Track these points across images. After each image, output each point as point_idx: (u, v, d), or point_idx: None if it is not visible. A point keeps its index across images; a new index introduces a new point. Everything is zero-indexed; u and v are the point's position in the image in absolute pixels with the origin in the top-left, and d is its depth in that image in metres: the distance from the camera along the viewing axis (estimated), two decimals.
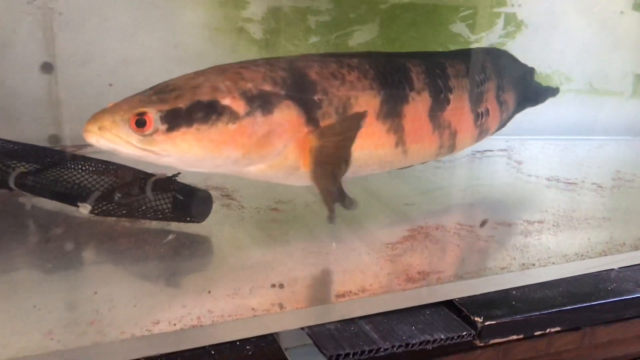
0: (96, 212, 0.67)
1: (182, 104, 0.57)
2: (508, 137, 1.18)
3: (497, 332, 0.58)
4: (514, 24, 1.14)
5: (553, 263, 0.68)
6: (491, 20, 1.12)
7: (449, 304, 0.60)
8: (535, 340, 0.65)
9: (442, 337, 0.55)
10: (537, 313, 0.61)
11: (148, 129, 0.56)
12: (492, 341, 0.58)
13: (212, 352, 0.49)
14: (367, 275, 0.60)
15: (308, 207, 0.78)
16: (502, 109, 0.82)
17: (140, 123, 0.56)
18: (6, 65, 0.90)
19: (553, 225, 0.77)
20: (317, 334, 0.53)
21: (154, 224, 0.69)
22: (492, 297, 0.62)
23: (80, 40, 0.92)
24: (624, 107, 0.92)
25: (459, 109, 0.75)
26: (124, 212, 0.68)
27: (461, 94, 0.75)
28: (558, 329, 0.62)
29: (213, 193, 0.69)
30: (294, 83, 0.63)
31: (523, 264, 0.66)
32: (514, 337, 0.60)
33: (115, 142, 0.56)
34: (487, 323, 0.57)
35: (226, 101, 0.58)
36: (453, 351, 0.60)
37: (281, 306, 0.54)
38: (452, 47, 1.10)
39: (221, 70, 0.61)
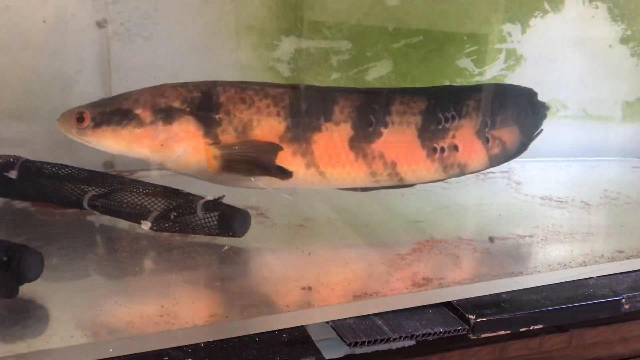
0: (155, 228, 0.81)
1: (108, 109, 0.79)
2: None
3: (488, 327, 0.70)
4: (514, 58, 1.27)
5: (539, 272, 0.79)
6: (493, 56, 1.25)
7: (448, 305, 0.72)
8: (528, 340, 0.77)
9: (441, 330, 0.68)
10: (522, 312, 0.72)
11: (84, 125, 0.79)
12: (483, 335, 0.70)
13: (257, 339, 0.62)
14: (380, 280, 0.73)
15: (329, 223, 0.91)
16: (489, 144, 0.90)
17: (79, 119, 0.79)
18: (70, 100, 1.05)
19: (542, 239, 0.89)
20: (339, 326, 0.65)
21: (202, 238, 0.82)
22: (485, 300, 0.74)
23: (131, 80, 1.06)
24: (615, 131, 1.03)
25: (396, 142, 0.84)
26: (178, 228, 0.82)
27: (404, 129, 0.84)
28: (541, 326, 0.74)
29: (250, 212, 0.83)
30: (201, 103, 0.80)
31: (512, 272, 0.78)
32: (502, 332, 0.72)
33: (64, 130, 0.80)
34: (478, 320, 0.70)
35: (138, 111, 0.79)
36: (454, 347, 0.73)
37: (309, 304, 0.67)
38: (459, 81, 1.23)
39: (154, 88, 0.82)
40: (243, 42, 1.10)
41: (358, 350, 0.67)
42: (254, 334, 0.62)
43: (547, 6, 1.26)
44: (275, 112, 0.80)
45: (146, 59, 1.07)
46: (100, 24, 1.05)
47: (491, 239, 0.88)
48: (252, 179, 0.81)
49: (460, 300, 0.72)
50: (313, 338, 0.63)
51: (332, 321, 0.66)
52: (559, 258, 0.83)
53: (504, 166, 1.26)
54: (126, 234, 0.83)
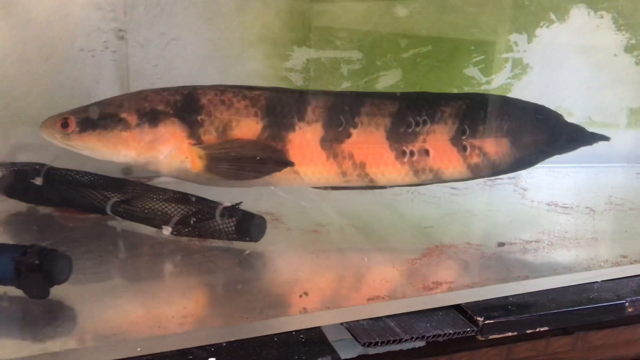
0: (175, 233, 0.85)
1: (93, 114, 0.83)
2: None
3: (495, 329, 0.73)
4: (520, 67, 1.30)
5: (544, 276, 0.82)
6: (500, 65, 1.28)
7: (457, 307, 0.75)
8: (535, 342, 0.80)
9: (451, 331, 0.71)
10: (529, 315, 0.75)
11: (69, 130, 0.82)
12: (491, 336, 0.73)
13: (275, 339, 0.65)
14: (392, 284, 0.76)
15: (342, 229, 0.94)
16: (466, 153, 0.90)
17: (64, 125, 0.82)
18: None
19: (547, 245, 0.92)
20: (353, 327, 0.69)
21: (219, 243, 0.86)
22: (492, 302, 0.77)
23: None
24: (620, 137, 1.06)
25: (365, 143, 0.87)
26: (197, 233, 0.85)
27: (372, 130, 0.87)
28: (546, 328, 0.77)
29: (265, 217, 0.86)
30: (184, 105, 0.84)
31: (519, 276, 0.81)
32: (509, 334, 0.75)
33: (48, 136, 0.84)
34: (486, 322, 0.73)
35: (124, 115, 0.83)
36: (463, 348, 0.76)
37: (325, 306, 0.70)
38: (466, 89, 1.26)
39: (137, 93, 0.87)
40: (257, 53, 1.14)
41: (371, 351, 0.70)
42: (272, 334, 0.65)
43: (552, 16, 1.29)
44: (253, 112, 0.85)
45: (163, 69, 1.10)
46: (120, 36, 1.09)
47: (500, 244, 0.91)
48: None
49: (468, 303, 0.75)
50: (329, 338, 0.66)
51: (347, 322, 0.69)
52: (564, 263, 0.86)
53: (511, 173, 1.29)
54: (147, 239, 0.86)
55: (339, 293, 0.73)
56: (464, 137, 0.90)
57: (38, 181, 0.90)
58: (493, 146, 0.92)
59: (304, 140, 0.86)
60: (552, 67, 1.32)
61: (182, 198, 0.87)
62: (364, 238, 0.92)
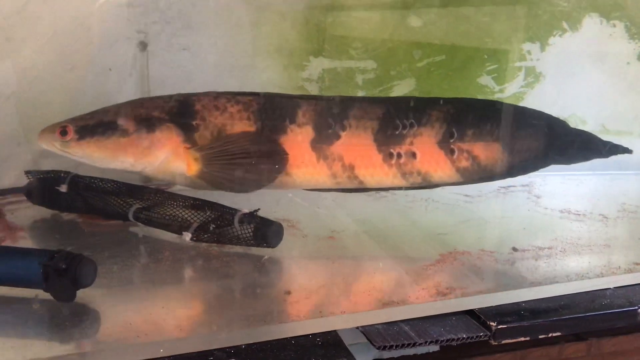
0: (195, 239, 0.87)
1: (90, 122, 0.86)
2: (531, 173, 1.34)
3: (508, 334, 0.75)
4: (533, 75, 1.31)
5: (557, 282, 0.84)
6: (513, 73, 1.29)
7: (470, 313, 0.77)
8: (548, 348, 0.81)
9: (464, 336, 0.72)
10: (541, 320, 0.77)
11: (67, 138, 0.85)
12: (503, 341, 0.75)
13: (293, 342, 0.67)
14: (406, 289, 0.78)
15: (357, 235, 0.96)
16: (454, 156, 0.92)
17: (63, 133, 0.85)
18: None
19: (560, 251, 0.93)
20: (368, 331, 0.70)
21: (237, 249, 0.88)
22: (505, 308, 0.78)
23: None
24: (633, 145, 1.07)
25: (353, 145, 0.90)
26: (216, 239, 0.87)
27: (360, 133, 0.90)
28: (559, 333, 0.78)
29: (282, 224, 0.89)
30: (179, 111, 0.88)
31: (532, 283, 0.83)
32: (522, 339, 0.76)
33: (46, 144, 0.87)
34: (499, 327, 0.74)
35: (121, 122, 0.86)
36: (476, 353, 0.77)
37: (341, 310, 0.72)
38: (480, 97, 1.28)
39: (134, 101, 0.90)
40: (274, 63, 1.17)
41: (386, 354, 0.72)
42: (290, 337, 0.67)
43: (565, 25, 1.30)
44: (246, 116, 0.88)
45: (182, 78, 1.13)
46: (141, 46, 1.12)
47: (514, 249, 0.93)
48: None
49: (482, 308, 0.77)
50: (345, 342, 0.68)
51: (362, 326, 0.71)
52: (576, 269, 0.87)
53: (525, 180, 1.30)
54: (168, 244, 0.89)
55: (355, 297, 0.75)
56: (451, 141, 0.92)
57: (63, 188, 0.93)
58: (483, 150, 0.92)
59: (296, 142, 0.89)
60: (565, 76, 1.33)
61: (201, 205, 0.89)
62: (379, 244, 0.93)
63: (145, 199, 0.92)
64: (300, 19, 1.16)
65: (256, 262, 0.85)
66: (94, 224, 0.96)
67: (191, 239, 0.86)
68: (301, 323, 0.69)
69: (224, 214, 0.87)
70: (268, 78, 1.17)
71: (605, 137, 1.00)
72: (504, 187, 1.25)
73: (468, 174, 0.93)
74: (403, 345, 0.69)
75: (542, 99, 1.30)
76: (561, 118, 1.35)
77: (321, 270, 0.84)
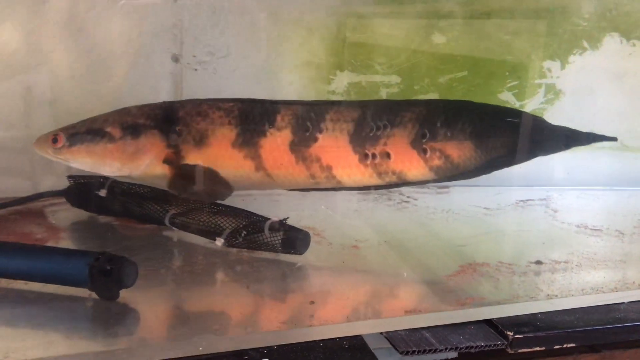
0: (227, 244, 0.92)
1: (80, 130, 0.92)
2: (549, 188, 1.37)
3: (524, 343, 0.78)
4: (553, 92, 1.34)
5: (572, 295, 0.87)
6: (533, 90, 1.33)
7: (488, 322, 0.80)
8: (563, 358, 0.84)
9: (482, 344, 0.76)
10: (556, 331, 0.80)
11: (59, 144, 0.91)
12: (520, 350, 0.78)
13: (321, 344, 0.71)
14: (428, 298, 0.82)
15: (381, 245, 1.00)
16: (426, 155, 0.95)
17: (54, 140, 0.91)
18: None
19: (576, 265, 0.96)
20: (392, 337, 0.74)
21: (266, 255, 0.92)
22: (522, 318, 0.81)
23: None
24: None
25: (330, 147, 0.95)
26: (246, 245, 0.92)
27: (336, 135, 0.95)
28: (573, 344, 0.81)
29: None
30: (163, 118, 0.93)
31: (548, 295, 0.86)
32: (537, 348, 0.79)
33: (40, 151, 0.93)
34: (516, 336, 0.77)
35: (109, 129, 0.91)
36: None
37: (366, 316, 0.76)
38: None
39: (122, 109, 0.95)
40: (301, 76, 1.22)
41: (408, 359, 0.75)
42: (318, 340, 0.71)
43: (585, 44, 1.33)
44: (227, 121, 0.94)
45: (215, 90, 1.18)
46: (175, 59, 1.17)
47: (539, 262, 0.96)
48: None
49: (499, 318, 0.80)
50: (369, 346, 0.72)
51: (386, 332, 0.75)
52: (592, 283, 0.90)
53: (542, 194, 1.34)
54: (201, 249, 0.93)
55: (379, 304, 0.80)
56: (424, 141, 0.95)
57: (103, 193, 0.99)
58: (455, 149, 0.96)
59: (275, 145, 0.94)
60: (584, 93, 1.36)
61: (233, 212, 0.94)
62: (401, 254, 0.97)
63: (180, 205, 0.97)
64: (327, 34, 1.21)
65: (285, 267, 0.89)
66: (130, 227, 1.01)
67: (223, 244, 0.91)
68: (329, 327, 0.73)
69: (255, 221, 0.91)
70: (295, 90, 1.22)
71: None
72: (522, 201, 1.28)
73: (442, 171, 0.97)
74: (424, 351, 0.73)
75: (561, 116, 1.34)
76: None
77: (346, 278, 0.88)
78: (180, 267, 0.89)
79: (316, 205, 1.18)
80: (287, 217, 0.91)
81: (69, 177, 1.03)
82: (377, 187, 1.00)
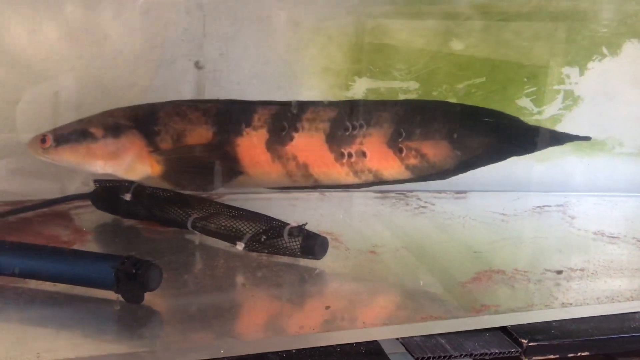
0: (247, 249, 0.94)
1: (66, 131, 0.96)
2: (566, 194, 1.37)
3: (538, 351, 0.79)
4: (571, 98, 1.35)
5: (587, 304, 0.88)
6: (552, 96, 1.33)
7: (503, 329, 0.81)
8: None
9: (497, 351, 0.77)
10: (571, 340, 0.81)
11: (47, 145, 0.96)
12: (534, 358, 0.79)
13: (338, 349, 0.73)
14: (444, 304, 0.83)
15: (397, 251, 1.02)
16: (402, 154, 0.99)
17: (43, 141, 0.96)
18: None
19: (592, 273, 0.97)
20: (408, 343, 0.76)
21: (284, 259, 0.94)
22: (537, 326, 0.82)
23: None
24: None
25: (306, 146, 0.98)
26: (265, 249, 0.94)
27: (312, 134, 0.98)
28: (587, 353, 0.82)
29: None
30: (143, 118, 0.97)
31: (563, 303, 0.87)
32: (551, 356, 0.80)
33: (32, 151, 0.97)
34: (530, 344, 0.79)
35: (92, 129, 0.96)
36: None
37: (383, 322, 0.78)
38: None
39: (107, 111, 1.00)
40: (321, 82, 1.23)
41: None
42: (336, 345, 0.74)
43: (605, 50, 1.33)
44: (204, 121, 0.97)
45: (237, 95, 1.20)
46: (198, 66, 1.20)
47: (559, 272, 0.97)
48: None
49: (514, 325, 0.81)
50: (385, 351, 0.74)
51: (402, 338, 0.77)
52: (607, 292, 0.91)
53: (559, 200, 1.34)
54: (222, 252, 0.96)
55: (395, 310, 0.81)
56: (400, 140, 0.98)
57: (127, 197, 1.02)
58: (431, 148, 0.99)
59: (251, 143, 0.97)
60: (603, 99, 1.36)
61: (253, 217, 0.96)
62: (418, 260, 0.99)
63: (202, 209, 0.99)
64: (346, 41, 1.23)
65: (303, 272, 0.91)
66: (153, 231, 1.04)
67: (244, 248, 0.93)
68: (346, 332, 0.75)
69: (275, 226, 0.93)
70: (314, 96, 1.24)
71: None
72: (539, 207, 1.29)
73: (418, 170, 1.00)
74: (440, 357, 0.74)
75: (579, 122, 1.34)
76: (598, 140, 1.39)
77: (364, 283, 0.90)
78: (202, 270, 0.92)
79: (333, 209, 1.20)
80: (306, 223, 0.93)
81: (95, 180, 1.06)
82: (355, 186, 1.02)
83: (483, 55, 1.29)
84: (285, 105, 1.01)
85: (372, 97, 1.25)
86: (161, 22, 1.16)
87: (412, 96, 1.27)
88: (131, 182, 1.03)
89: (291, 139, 0.98)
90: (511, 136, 1.03)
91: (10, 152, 1.11)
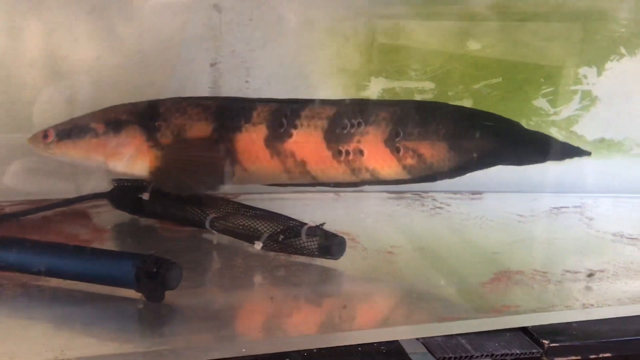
0: (265, 248, 0.94)
1: (68, 126, 0.97)
2: (583, 195, 1.36)
3: (560, 352, 0.79)
4: (588, 99, 1.34)
5: (608, 305, 0.87)
6: (569, 97, 1.33)
7: (524, 330, 0.81)
8: None
9: (518, 352, 0.77)
10: (592, 341, 0.80)
11: (48, 140, 0.96)
12: (555, 359, 0.79)
13: (359, 348, 0.73)
14: (464, 305, 0.83)
15: (415, 251, 1.01)
16: (399, 154, 0.98)
17: (45, 136, 0.96)
18: None
19: (612, 275, 0.96)
20: (429, 343, 0.75)
21: (302, 259, 0.93)
22: (558, 327, 0.82)
23: None
24: None
25: (304, 143, 0.98)
26: (283, 249, 0.94)
27: (311, 131, 0.98)
28: (609, 354, 0.82)
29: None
30: (144, 114, 0.98)
31: (583, 304, 0.86)
32: (573, 357, 0.80)
33: (33, 146, 0.98)
34: (552, 345, 0.78)
35: (93, 125, 0.96)
36: None
37: (404, 322, 0.78)
38: (534, 119, 1.31)
39: (109, 107, 1.00)
40: (337, 82, 1.23)
41: None
42: (357, 344, 0.73)
43: (623, 50, 1.32)
44: (204, 117, 0.98)
45: (253, 94, 1.21)
46: (214, 65, 1.20)
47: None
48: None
49: (535, 326, 0.81)
50: (406, 351, 0.74)
51: (423, 338, 0.76)
52: (628, 293, 0.90)
53: (577, 201, 1.33)
54: (240, 252, 0.96)
55: (416, 310, 0.81)
56: (397, 140, 0.98)
57: (146, 196, 1.02)
58: (428, 149, 0.98)
59: (250, 140, 0.98)
60: (621, 99, 1.35)
61: (271, 216, 0.96)
62: (437, 261, 0.98)
63: (220, 209, 0.99)
64: (363, 42, 1.23)
65: (321, 272, 0.91)
66: (171, 230, 1.04)
67: (262, 248, 0.93)
68: (367, 332, 0.75)
69: (292, 226, 0.93)
70: (329, 96, 1.23)
71: None
72: (556, 208, 1.28)
73: (415, 171, 0.99)
74: (461, 357, 0.74)
75: (596, 122, 1.33)
76: (615, 140, 1.38)
77: (382, 283, 0.90)
78: (220, 269, 0.92)
79: (349, 209, 1.20)
80: (324, 223, 0.93)
81: (113, 180, 1.07)
82: (353, 185, 1.03)
83: (500, 56, 1.29)
84: (284, 102, 1.02)
85: (387, 97, 1.25)
86: (178, 21, 1.16)
87: (428, 97, 1.26)
88: (149, 182, 1.03)
89: (290, 135, 0.99)
90: (511, 141, 1.02)
91: (27, 152, 1.12)
